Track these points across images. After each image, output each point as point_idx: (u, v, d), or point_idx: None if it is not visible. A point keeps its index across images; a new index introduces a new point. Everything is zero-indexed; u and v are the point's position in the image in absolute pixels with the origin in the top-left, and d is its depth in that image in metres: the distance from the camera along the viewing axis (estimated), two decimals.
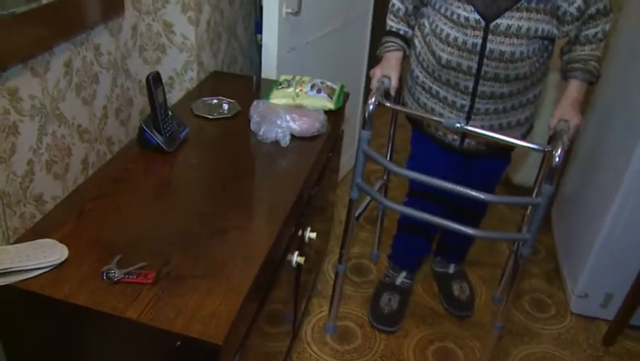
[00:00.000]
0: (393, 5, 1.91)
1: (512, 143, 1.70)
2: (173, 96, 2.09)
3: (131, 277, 1.21)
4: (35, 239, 1.28)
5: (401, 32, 1.91)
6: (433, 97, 1.88)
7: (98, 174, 1.59)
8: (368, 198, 2.19)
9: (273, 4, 2.05)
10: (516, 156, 2.27)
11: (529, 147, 1.70)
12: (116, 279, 1.20)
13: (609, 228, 2.21)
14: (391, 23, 1.93)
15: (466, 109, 1.83)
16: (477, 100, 1.80)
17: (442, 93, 1.85)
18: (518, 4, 1.62)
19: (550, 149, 1.60)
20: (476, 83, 1.77)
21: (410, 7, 1.87)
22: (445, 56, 1.76)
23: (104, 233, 1.34)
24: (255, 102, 1.83)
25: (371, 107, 1.74)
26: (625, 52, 2.35)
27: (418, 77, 1.91)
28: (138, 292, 1.18)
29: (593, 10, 1.68)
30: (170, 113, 1.69)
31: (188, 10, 1.96)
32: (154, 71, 1.63)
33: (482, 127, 1.80)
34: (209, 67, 2.19)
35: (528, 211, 2.19)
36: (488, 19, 1.65)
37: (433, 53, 1.79)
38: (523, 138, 1.93)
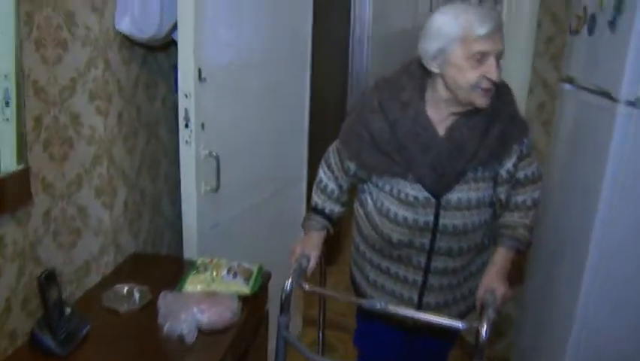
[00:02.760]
0: (321, 182, 1.86)
1: (437, 323, 1.64)
2: (90, 281, 1.97)
3: None
4: None
5: (326, 211, 1.85)
6: (383, 273, 1.80)
7: None
8: None
9: (190, 182, 1.99)
10: None
11: (456, 327, 1.62)
12: None
13: None
14: (317, 200, 1.87)
15: (419, 284, 1.75)
16: (430, 275, 1.73)
17: (394, 269, 1.77)
18: (465, 177, 1.61)
19: (476, 325, 1.52)
20: (429, 258, 1.71)
21: (345, 186, 1.82)
22: (396, 236, 1.69)
23: None
24: (162, 293, 1.71)
25: (287, 289, 1.65)
26: (558, 193, 2.38)
27: (365, 253, 1.84)
28: None
29: (521, 175, 1.68)
30: (68, 310, 1.58)
31: (102, 195, 1.92)
32: (46, 269, 1.54)
33: (437, 303, 1.76)
34: (129, 248, 2.11)
35: None
36: (438, 196, 1.63)
37: (382, 233, 1.72)
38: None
